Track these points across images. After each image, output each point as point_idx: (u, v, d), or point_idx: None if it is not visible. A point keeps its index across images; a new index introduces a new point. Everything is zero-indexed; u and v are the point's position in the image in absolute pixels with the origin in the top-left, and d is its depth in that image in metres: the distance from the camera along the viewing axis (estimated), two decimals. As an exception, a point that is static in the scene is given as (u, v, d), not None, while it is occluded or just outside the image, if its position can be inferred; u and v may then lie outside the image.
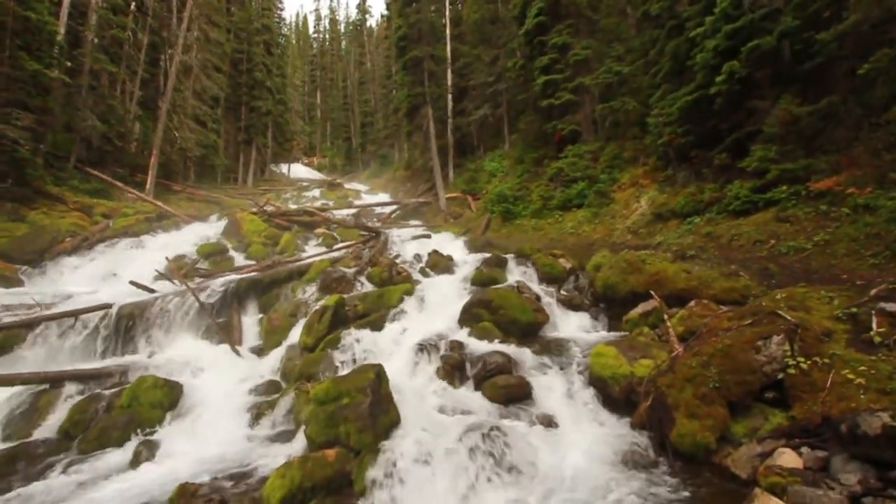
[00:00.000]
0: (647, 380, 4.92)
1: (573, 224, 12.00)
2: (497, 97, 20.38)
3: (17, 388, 6.05)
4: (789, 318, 4.60)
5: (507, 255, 9.99)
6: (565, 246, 10.66)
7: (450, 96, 22.31)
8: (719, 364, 4.41)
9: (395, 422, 4.68)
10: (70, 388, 6.17)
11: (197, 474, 4.30)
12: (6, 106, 13.48)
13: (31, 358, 6.99)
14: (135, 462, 4.83)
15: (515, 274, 9.24)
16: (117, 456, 4.98)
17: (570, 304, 7.88)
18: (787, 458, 3.65)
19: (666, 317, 6.07)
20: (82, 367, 6.80)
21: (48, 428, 5.60)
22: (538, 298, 7.78)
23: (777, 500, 3.17)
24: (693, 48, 9.70)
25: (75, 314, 7.55)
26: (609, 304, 7.46)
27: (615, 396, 5.17)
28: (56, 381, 6.21)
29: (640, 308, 6.65)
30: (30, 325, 7.27)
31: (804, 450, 3.70)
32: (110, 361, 7.05)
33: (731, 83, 8.62)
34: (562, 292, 8.31)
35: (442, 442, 4.46)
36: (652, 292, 6.74)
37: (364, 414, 4.42)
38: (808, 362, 4.21)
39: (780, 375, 4.27)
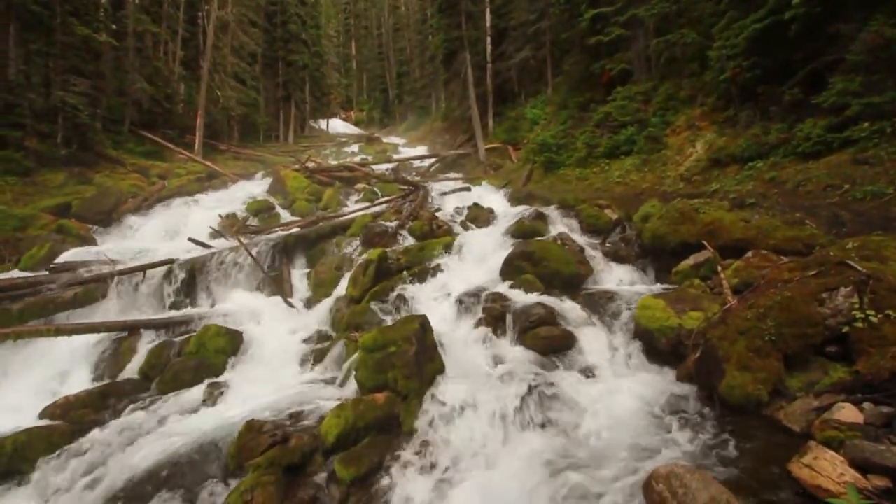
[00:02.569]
0: (696, 332, 4.79)
1: (620, 173, 11.40)
2: (539, 37, 19.07)
3: (102, 335, 6.74)
4: (860, 268, 4.25)
5: (550, 207, 9.74)
6: (611, 196, 10.22)
7: (489, 39, 21.12)
8: (777, 316, 4.20)
9: (439, 369, 4.86)
10: (145, 335, 6.80)
11: (260, 413, 4.70)
12: (64, 73, 14.14)
13: (111, 309, 7.71)
14: (206, 401, 5.34)
15: (558, 226, 9.04)
16: (190, 396, 5.52)
17: (616, 257, 7.65)
18: (847, 412, 3.50)
19: (720, 268, 5.79)
20: (154, 317, 7.45)
21: (131, 370, 6.26)
22: (582, 250, 7.60)
23: (833, 453, 3.07)
24: (766, -34, 8.52)
25: (143, 269, 8.17)
26: (657, 256, 7.19)
27: (661, 349, 5.08)
28: (133, 329, 6.85)
29: (692, 259, 6.36)
30: (106, 279, 7.96)
31: (866, 405, 3.53)
32: (176, 312, 7.67)
33: (811, 5, 7.57)
34: (607, 244, 8.07)
35: (484, 388, 4.62)
36: (705, 243, 6.40)
37: (410, 361, 4.61)
38: (880, 316, 3.92)
39: (846, 329, 4.02)
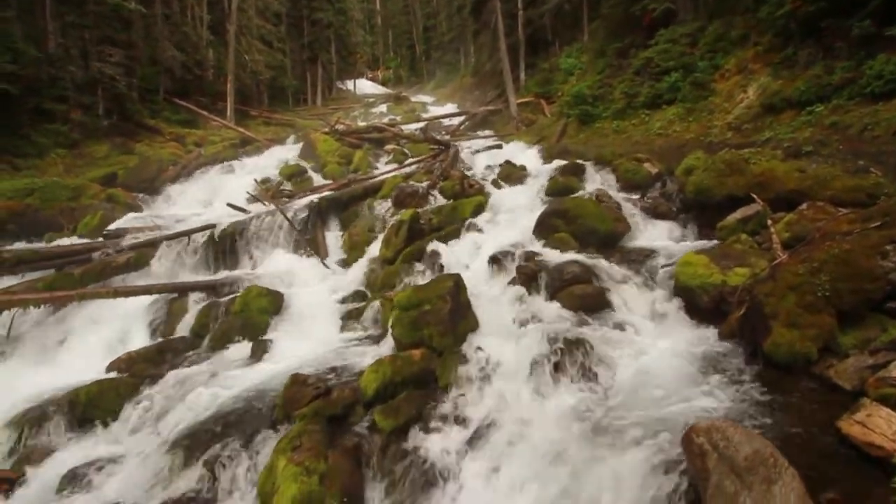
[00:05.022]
0: (741, 288, 4.60)
1: (662, 124, 10.73)
2: (574, -22, 17.77)
3: (155, 296, 7.16)
4: (933, 218, 3.90)
5: (585, 163, 9.39)
6: (651, 149, 9.70)
7: (519, -16, 19.85)
8: (833, 271, 3.96)
9: (473, 326, 4.91)
10: (193, 296, 7.18)
11: (303, 368, 4.93)
12: (99, 44, 14.42)
13: (160, 272, 8.15)
14: (252, 357, 5.66)
15: (594, 182, 8.74)
16: (238, 352, 5.84)
17: (655, 213, 7.37)
18: (906, 371, 3.32)
19: (770, 222, 5.46)
20: (200, 279, 7.84)
21: (183, 328, 6.66)
22: (619, 207, 7.35)
23: (889, 410, 2.94)
24: None
25: (188, 234, 8.54)
26: (700, 211, 6.85)
27: (703, 306, 4.93)
28: (182, 290, 7.24)
29: (739, 213, 6.03)
30: (154, 244, 8.38)
31: (929, 363, 3.33)
32: (220, 274, 8.03)
33: (892, -81, 6.62)
34: (646, 200, 7.75)
35: (518, 344, 4.65)
36: (754, 195, 6.03)
37: (445, 319, 4.68)
38: (952, 269, 3.62)
39: (910, 283, 3.75)
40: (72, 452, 4.59)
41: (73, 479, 4.14)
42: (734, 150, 7.09)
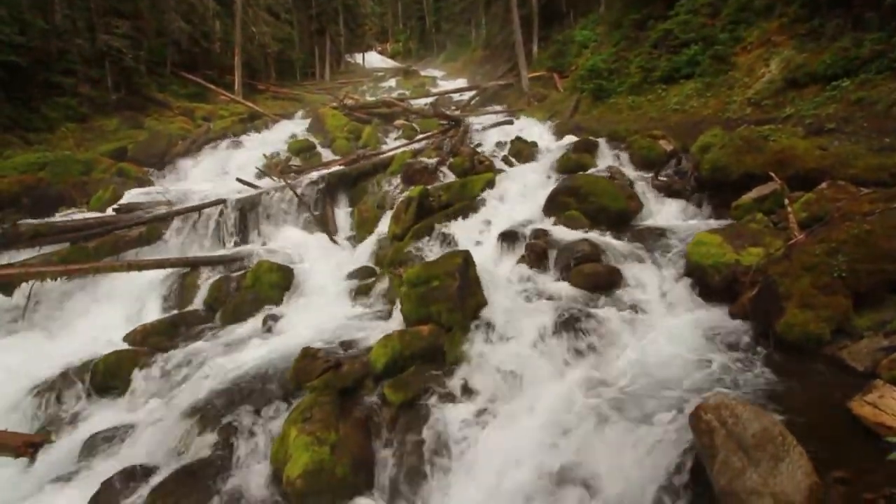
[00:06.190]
0: (754, 268, 4.52)
1: (679, 99, 10.42)
2: (591, -55, 17.04)
3: (168, 271, 7.26)
4: (960, 198, 3.77)
5: (598, 139, 9.21)
6: (667, 125, 9.44)
7: (534, -49, 19.09)
8: (851, 251, 3.88)
9: (482, 303, 4.92)
10: (205, 270, 7.26)
11: (313, 341, 5.01)
12: (105, 15, 14.23)
13: (172, 246, 8.23)
14: (264, 331, 5.75)
15: (607, 159, 8.59)
16: (250, 326, 5.95)
17: (669, 191, 7.23)
18: (922, 353, 3.27)
19: (787, 201, 5.33)
20: (212, 253, 7.92)
21: (196, 302, 6.77)
22: (632, 185, 7.23)
23: (902, 393, 2.91)
24: None
25: (198, 209, 8.58)
26: (716, 190, 6.70)
27: (714, 286, 4.86)
28: (194, 265, 7.33)
29: (755, 192, 5.88)
30: (165, 219, 8.44)
31: (946, 346, 3.28)
32: (232, 249, 8.09)
33: None
34: (659, 178, 7.60)
35: (526, 322, 4.66)
36: (772, 174, 5.87)
37: (453, 295, 4.69)
38: (977, 250, 3.52)
39: (932, 265, 3.66)
40: (91, 419, 4.76)
41: (94, 445, 4.30)
42: (753, 126, 6.89)
